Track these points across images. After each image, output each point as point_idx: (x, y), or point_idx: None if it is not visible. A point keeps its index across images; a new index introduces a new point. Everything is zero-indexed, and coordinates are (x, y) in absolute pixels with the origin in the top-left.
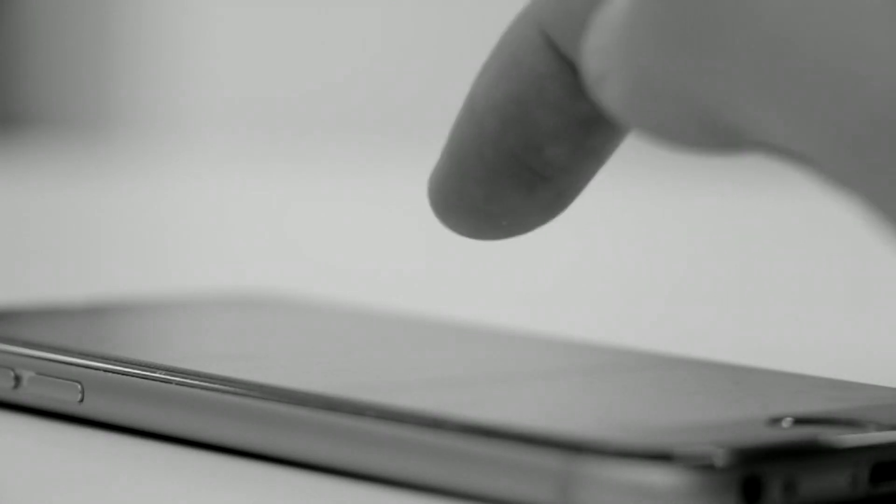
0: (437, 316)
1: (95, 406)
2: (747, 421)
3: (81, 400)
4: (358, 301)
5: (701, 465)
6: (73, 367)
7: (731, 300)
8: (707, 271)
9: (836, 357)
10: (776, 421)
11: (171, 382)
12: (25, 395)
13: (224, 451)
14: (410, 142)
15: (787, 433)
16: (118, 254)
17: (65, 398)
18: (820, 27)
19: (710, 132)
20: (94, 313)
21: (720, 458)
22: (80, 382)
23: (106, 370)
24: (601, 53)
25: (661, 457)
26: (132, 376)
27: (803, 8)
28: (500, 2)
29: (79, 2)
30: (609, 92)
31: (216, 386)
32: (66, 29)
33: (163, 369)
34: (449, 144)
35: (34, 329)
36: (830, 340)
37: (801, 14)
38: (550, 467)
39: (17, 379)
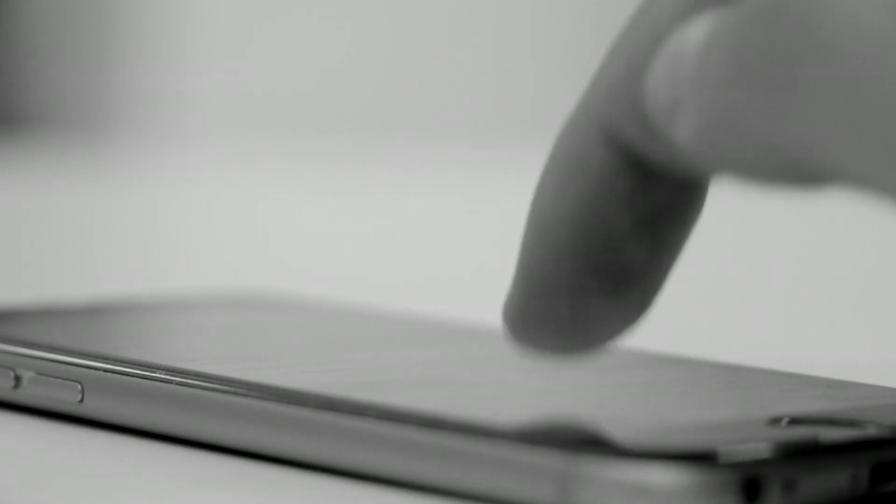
0: (437, 315)
1: (95, 406)
2: (747, 421)
3: (81, 400)
4: (356, 301)
5: (701, 465)
6: (73, 367)
7: (731, 300)
8: (707, 271)
9: (837, 357)
10: (776, 421)
11: (171, 382)
12: (25, 395)
13: (224, 451)
14: (409, 142)
15: (787, 433)
16: (118, 254)
17: (65, 398)
18: None
19: (788, 168)
20: (94, 313)
21: (720, 458)
22: (80, 382)
23: (106, 370)
24: (671, 84)
25: (661, 457)
26: (132, 376)
27: (882, 46)
28: (496, 2)
29: (79, 2)
30: (680, 125)
31: (216, 386)
32: (66, 29)
33: (163, 369)
34: (521, 265)
35: (34, 329)
36: (830, 340)
37: (879, 52)
38: (550, 467)
39: (17, 379)
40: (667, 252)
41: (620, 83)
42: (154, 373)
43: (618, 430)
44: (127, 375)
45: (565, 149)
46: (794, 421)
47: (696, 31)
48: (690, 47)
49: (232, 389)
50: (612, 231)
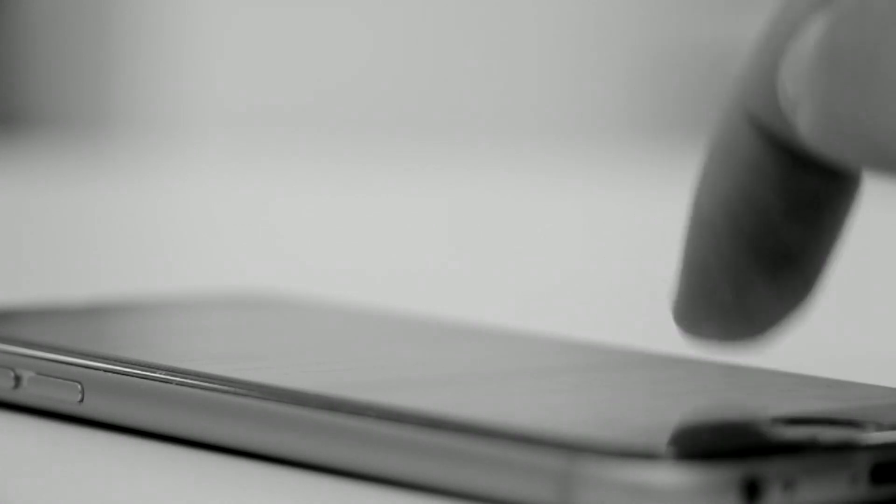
0: (437, 315)
1: (95, 406)
2: (747, 421)
3: (81, 400)
4: (357, 301)
5: (701, 465)
6: (73, 367)
7: None
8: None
9: (837, 357)
10: (776, 421)
11: (171, 382)
12: (25, 395)
13: (224, 451)
14: (410, 142)
15: (787, 433)
16: (118, 254)
17: (65, 398)
18: None
19: (889, 164)
20: (94, 313)
21: (720, 458)
22: (80, 382)
23: (106, 370)
24: (794, 80)
25: (661, 457)
26: (132, 376)
27: None
28: (498, 2)
29: (79, 2)
30: (800, 118)
31: (216, 386)
32: (66, 29)
33: (163, 369)
34: (685, 259)
35: (34, 329)
36: (829, 340)
37: None
38: (550, 467)
39: (17, 379)
40: (823, 237)
41: (762, 76)
42: (154, 373)
43: (618, 430)
44: (127, 375)
45: (719, 139)
46: (795, 421)
47: (811, 30)
48: (806, 46)
49: (232, 389)
50: (767, 215)
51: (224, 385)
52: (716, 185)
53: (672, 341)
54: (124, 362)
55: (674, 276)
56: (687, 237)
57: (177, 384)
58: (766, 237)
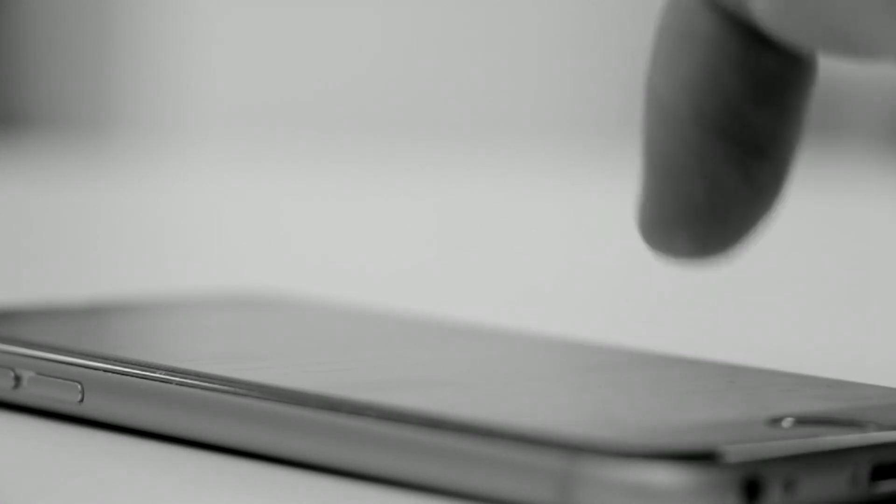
0: (437, 315)
1: (95, 406)
2: (747, 421)
3: (81, 400)
4: (357, 301)
5: (701, 465)
6: (73, 367)
7: (731, 300)
8: (706, 270)
9: (837, 357)
10: (776, 421)
11: (171, 382)
12: (25, 395)
13: (224, 451)
14: (411, 142)
15: (787, 433)
16: (118, 254)
17: (65, 398)
18: None
19: (842, 41)
20: (94, 313)
21: (720, 458)
22: (80, 382)
23: (106, 370)
24: None
25: (661, 457)
26: (132, 376)
27: None
28: (496, 3)
29: (79, 2)
30: (757, 1)
31: (216, 386)
32: (66, 29)
33: (163, 369)
34: (649, 156)
35: (34, 329)
36: (830, 340)
37: None
38: (550, 467)
39: (17, 379)
40: (788, 120)
41: None
42: (154, 373)
43: (618, 430)
44: (127, 375)
45: (672, 20)
46: (795, 421)
47: None
48: None
49: (232, 389)
50: (730, 96)
51: (224, 385)
52: (673, 67)
53: (672, 341)
54: (124, 362)
55: (638, 183)
56: (647, 130)
57: (177, 384)
58: (732, 123)
